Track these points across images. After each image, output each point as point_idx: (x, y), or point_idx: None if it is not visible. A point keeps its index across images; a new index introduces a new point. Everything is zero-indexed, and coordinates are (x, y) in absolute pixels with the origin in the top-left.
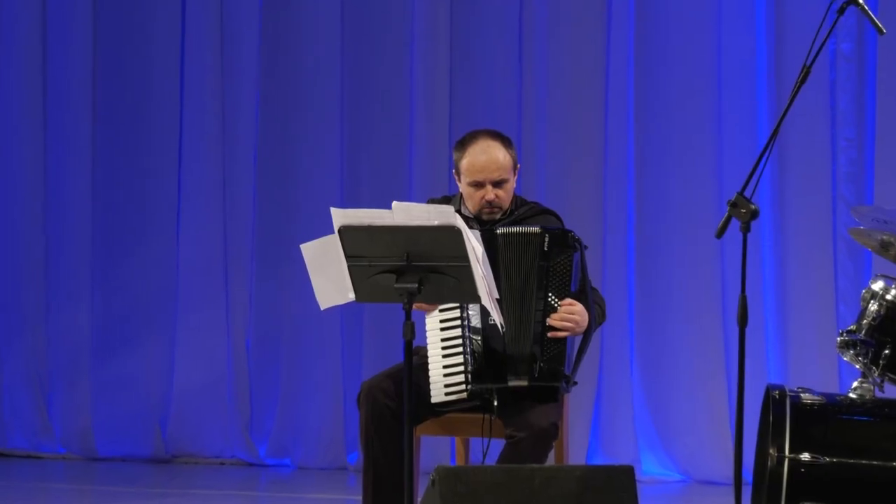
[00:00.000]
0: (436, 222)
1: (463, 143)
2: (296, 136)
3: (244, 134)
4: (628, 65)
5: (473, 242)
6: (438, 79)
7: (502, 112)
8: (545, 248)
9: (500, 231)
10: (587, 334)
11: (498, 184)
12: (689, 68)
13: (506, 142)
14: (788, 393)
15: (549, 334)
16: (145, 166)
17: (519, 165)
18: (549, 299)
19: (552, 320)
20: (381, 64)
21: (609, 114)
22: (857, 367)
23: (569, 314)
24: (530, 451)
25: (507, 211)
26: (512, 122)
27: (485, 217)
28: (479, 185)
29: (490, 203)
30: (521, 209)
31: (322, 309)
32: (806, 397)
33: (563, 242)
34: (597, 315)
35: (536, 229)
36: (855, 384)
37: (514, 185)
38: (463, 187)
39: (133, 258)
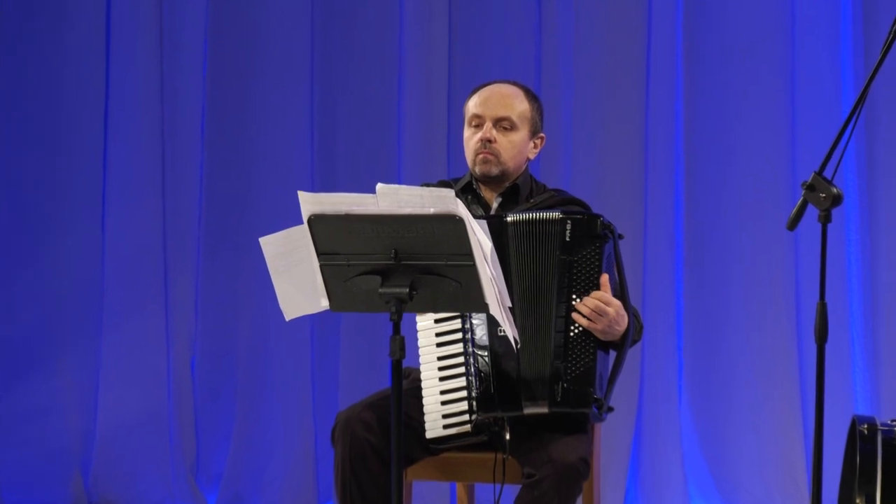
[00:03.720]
0: (432, 210)
1: (475, 88)
2: (254, 101)
3: (188, 97)
4: (676, 6)
5: (480, 236)
6: (435, 33)
7: (515, 71)
8: (567, 239)
9: (510, 218)
10: (622, 349)
11: (500, 122)
12: (753, 12)
13: (528, 92)
14: (880, 427)
15: (573, 315)
16: (60, 137)
17: (543, 136)
18: (574, 302)
19: (578, 305)
20: (362, 13)
21: (651, 68)
22: None
23: (603, 302)
24: (553, 493)
25: (513, 179)
26: (528, 82)
27: (478, 170)
28: (478, 122)
29: (485, 144)
30: (540, 196)
31: (287, 319)
32: None
33: (591, 231)
34: (634, 328)
35: (556, 215)
36: None
37: (524, 146)
38: (464, 138)
39: (45, 254)
